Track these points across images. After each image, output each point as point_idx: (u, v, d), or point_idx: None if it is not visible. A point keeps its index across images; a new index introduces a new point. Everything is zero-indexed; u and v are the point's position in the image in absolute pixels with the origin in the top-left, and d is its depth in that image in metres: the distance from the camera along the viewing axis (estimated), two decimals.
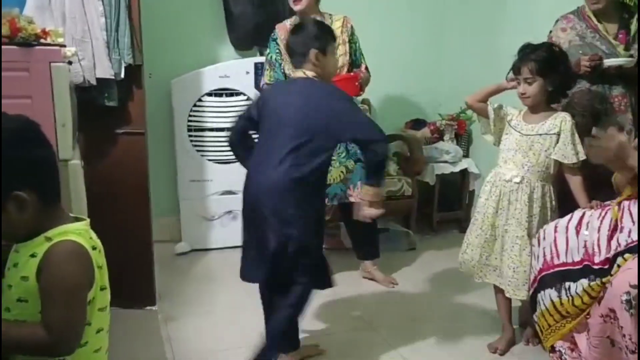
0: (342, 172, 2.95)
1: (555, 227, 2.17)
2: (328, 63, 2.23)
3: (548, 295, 2.13)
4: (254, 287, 3.15)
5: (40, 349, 1.15)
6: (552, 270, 2.17)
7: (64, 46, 1.94)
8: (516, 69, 2.34)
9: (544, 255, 2.20)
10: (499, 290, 2.51)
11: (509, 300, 2.49)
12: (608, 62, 2.57)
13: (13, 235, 1.20)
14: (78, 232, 1.22)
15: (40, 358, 1.21)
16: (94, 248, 1.24)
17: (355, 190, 2.89)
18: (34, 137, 1.19)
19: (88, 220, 1.27)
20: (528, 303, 2.36)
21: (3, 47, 1.77)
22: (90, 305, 1.22)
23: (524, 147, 2.36)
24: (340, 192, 2.98)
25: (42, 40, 1.84)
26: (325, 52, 2.19)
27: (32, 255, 1.17)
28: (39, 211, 1.17)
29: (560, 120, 2.32)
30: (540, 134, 2.33)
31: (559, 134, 2.31)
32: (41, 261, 1.16)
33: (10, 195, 1.14)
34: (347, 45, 3.03)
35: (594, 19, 2.67)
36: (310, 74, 2.16)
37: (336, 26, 2.96)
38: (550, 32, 2.76)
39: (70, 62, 2.09)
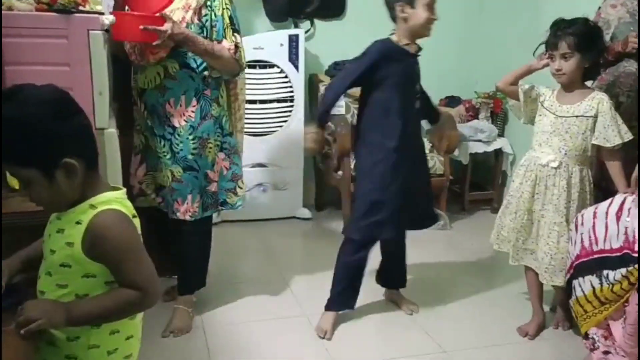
0: (168, 176, 2.33)
1: (595, 212, 2.11)
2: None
3: (588, 282, 2.08)
4: (283, 258, 3.19)
5: (136, 307, 1.21)
6: (590, 257, 2.11)
7: (102, 14, 1.93)
8: (551, 45, 2.25)
9: (582, 242, 2.14)
10: (530, 274, 2.47)
11: (541, 284, 2.45)
12: None
13: (59, 205, 1.21)
14: (119, 200, 1.24)
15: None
16: (134, 216, 1.26)
17: (185, 205, 2.33)
18: (72, 105, 1.20)
19: (124, 189, 1.28)
20: (562, 288, 2.32)
21: (43, 13, 1.78)
22: None
23: (560, 129, 2.29)
24: (168, 203, 2.37)
25: (80, 8, 1.83)
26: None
27: (78, 222, 1.19)
28: (84, 178, 1.19)
29: (597, 102, 2.23)
30: (577, 116, 2.25)
31: (595, 117, 2.23)
32: (87, 229, 1.17)
33: (60, 163, 1.15)
34: (191, 11, 2.19)
35: None
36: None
37: None
38: (599, 8, 2.64)
39: (107, 30, 2.08)
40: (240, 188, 2.51)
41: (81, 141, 1.20)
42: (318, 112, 2.39)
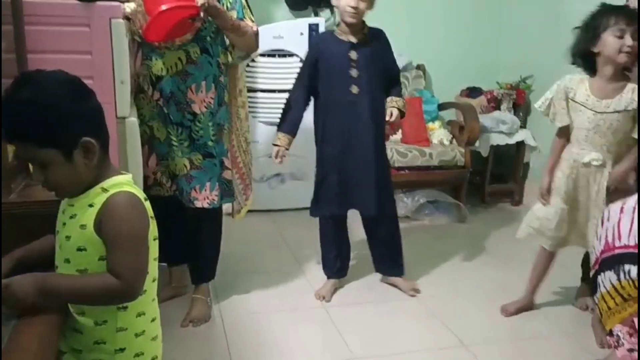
0: (185, 165, 2.34)
1: (622, 207, 2.06)
2: None
3: (608, 278, 2.04)
4: (300, 248, 3.19)
5: (112, 296, 1.17)
6: (612, 253, 2.07)
7: (124, 2, 1.93)
8: (626, 18, 2.15)
9: (606, 237, 2.10)
10: (545, 253, 2.46)
11: (547, 267, 2.47)
12: None
13: (74, 187, 1.21)
14: (129, 184, 1.24)
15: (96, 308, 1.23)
16: (145, 199, 1.26)
17: (203, 192, 2.35)
18: (85, 87, 1.21)
19: (131, 174, 1.29)
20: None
21: (66, 1, 1.78)
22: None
23: (601, 126, 2.22)
24: (185, 191, 2.35)
25: None
26: None
27: (90, 205, 1.19)
28: (99, 160, 1.20)
29: (635, 93, 2.17)
30: (619, 111, 2.19)
31: (636, 109, 2.17)
32: (99, 211, 1.18)
33: (80, 142, 1.16)
34: None
35: None
36: None
37: None
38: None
39: (128, 19, 2.07)
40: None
41: (97, 122, 1.21)
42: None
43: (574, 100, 2.30)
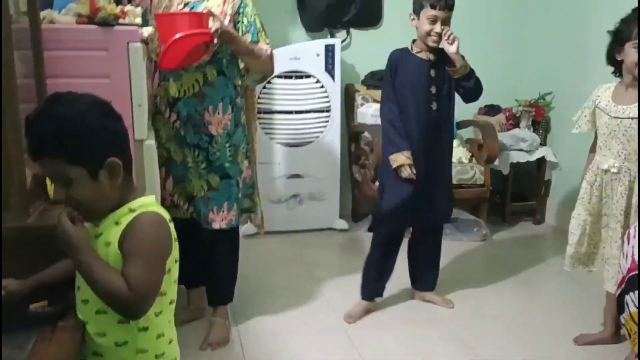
0: (202, 186, 2.33)
1: (637, 226, 2.01)
2: None
3: (637, 297, 1.98)
4: (319, 269, 3.16)
5: (116, 300, 1.14)
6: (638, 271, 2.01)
7: (142, 26, 1.95)
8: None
9: (633, 255, 2.04)
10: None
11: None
12: None
13: (98, 207, 1.22)
14: (155, 204, 1.26)
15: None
16: (170, 221, 1.26)
17: (221, 213, 2.35)
18: (114, 111, 1.23)
19: (154, 195, 1.30)
20: (612, 297, 2.23)
21: (84, 26, 1.80)
22: (167, 275, 1.24)
23: (616, 132, 2.20)
24: (202, 213, 2.34)
25: (120, 20, 1.84)
26: None
27: (117, 223, 1.20)
28: (124, 180, 1.21)
29: None
30: (633, 118, 2.16)
31: None
32: (125, 229, 1.18)
33: (105, 162, 1.17)
34: (228, 17, 2.21)
35: None
36: None
37: None
38: None
39: (146, 42, 2.10)
40: (255, 194, 2.55)
41: (123, 145, 1.23)
42: (385, 148, 2.55)
43: (598, 107, 2.28)
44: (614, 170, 2.21)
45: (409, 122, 2.48)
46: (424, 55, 2.48)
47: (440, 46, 2.41)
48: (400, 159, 2.45)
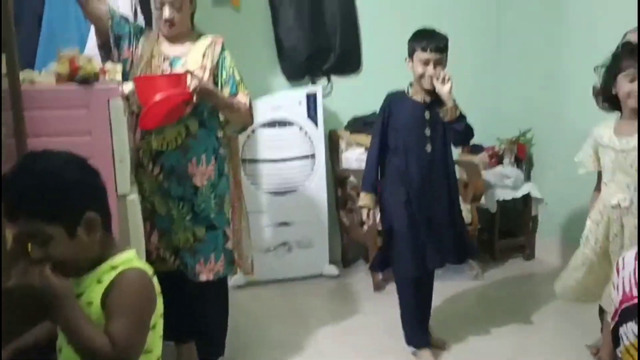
0: (188, 238, 2.32)
1: (637, 254, 2.01)
2: None
3: (630, 329, 1.96)
4: (311, 318, 3.10)
5: (98, 358, 1.12)
6: (631, 302, 2.00)
7: (122, 82, 1.97)
8: (632, 74, 2.16)
9: (623, 286, 2.03)
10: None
11: None
12: None
13: (76, 264, 1.20)
14: (137, 260, 1.24)
15: None
16: (153, 274, 1.26)
17: (208, 265, 2.33)
18: (91, 167, 1.24)
19: (134, 249, 1.29)
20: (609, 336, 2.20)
21: (64, 87, 1.82)
22: (153, 332, 1.22)
23: (623, 164, 2.20)
24: (189, 265, 2.33)
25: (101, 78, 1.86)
26: None
27: (99, 282, 1.18)
28: (103, 236, 1.20)
29: None
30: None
31: None
32: (109, 287, 1.17)
33: (83, 218, 1.16)
34: (207, 72, 2.27)
35: None
36: None
37: (198, 50, 2.30)
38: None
39: (127, 98, 2.11)
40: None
41: (101, 198, 1.23)
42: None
43: (601, 145, 2.29)
44: (625, 204, 2.20)
45: (406, 162, 2.52)
46: (419, 97, 2.52)
47: (433, 87, 2.45)
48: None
